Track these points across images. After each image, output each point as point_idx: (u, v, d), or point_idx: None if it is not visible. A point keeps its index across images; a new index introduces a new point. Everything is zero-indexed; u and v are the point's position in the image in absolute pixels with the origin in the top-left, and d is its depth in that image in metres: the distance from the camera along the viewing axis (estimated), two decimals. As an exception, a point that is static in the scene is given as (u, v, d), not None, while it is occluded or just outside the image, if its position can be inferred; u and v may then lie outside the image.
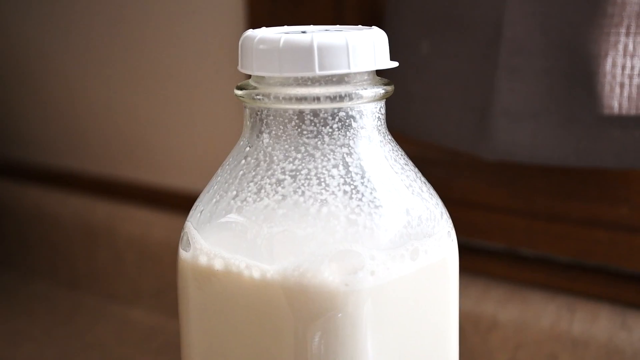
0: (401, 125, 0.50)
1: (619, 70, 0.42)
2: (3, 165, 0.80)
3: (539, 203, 0.50)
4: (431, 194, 0.32)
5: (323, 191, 0.30)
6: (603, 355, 0.47)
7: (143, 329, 0.65)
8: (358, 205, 0.30)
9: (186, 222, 0.32)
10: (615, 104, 0.43)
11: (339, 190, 0.30)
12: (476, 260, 0.52)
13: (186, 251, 0.32)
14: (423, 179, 0.33)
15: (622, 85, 0.42)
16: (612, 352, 0.46)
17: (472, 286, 0.52)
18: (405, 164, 0.32)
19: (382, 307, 0.30)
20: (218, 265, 0.31)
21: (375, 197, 0.30)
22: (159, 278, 0.68)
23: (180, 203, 0.66)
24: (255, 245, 0.30)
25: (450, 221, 0.33)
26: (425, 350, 0.33)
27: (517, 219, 0.51)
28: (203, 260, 0.31)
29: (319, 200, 0.30)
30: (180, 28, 0.65)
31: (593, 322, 0.48)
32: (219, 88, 0.64)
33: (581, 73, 0.43)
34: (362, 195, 0.30)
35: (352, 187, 0.30)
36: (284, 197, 0.30)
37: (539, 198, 0.50)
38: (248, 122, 0.32)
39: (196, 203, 0.33)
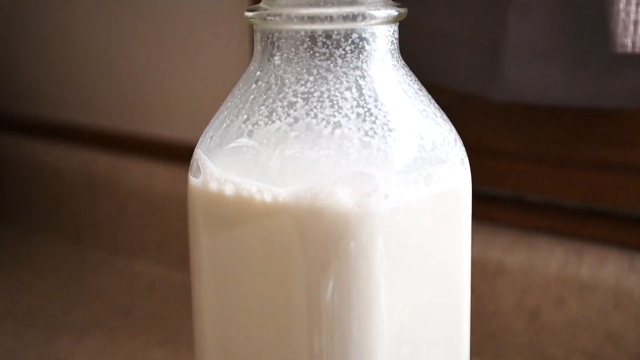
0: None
1: (633, 8, 0.42)
2: (5, 120, 0.80)
3: (547, 147, 0.49)
4: (445, 120, 0.32)
5: (336, 113, 0.29)
6: (611, 298, 0.46)
7: (147, 280, 0.65)
8: (372, 128, 0.29)
9: (196, 148, 0.32)
10: (629, 42, 0.42)
11: (352, 112, 0.29)
12: (482, 207, 0.52)
13: (196, 178, 0.31)
14: (437, 105, 0.32)
15: (636, 23, 0.42)
16: (620, 295, 0.46)
17: (479, 232, 0.52)
18: (419, 89, 0.32)
19: (395, 233, 0.29)
20: (229, 190, 0.30)
21: (389, 120, 0.30)
22: (162, 229, 0.67)
23: (183, 154, 0.66)
24: (267, 169, 0.29)
25: (464, 149, 0.32)
26: (438, 280, 0.32)
27: (525, 164, 0.50)
28: (213, 186, 0.31)
29: (332, 123, 0.29)
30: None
31: (601, 266, 0.47)
32: (220, 37, 0.63)
33: (594, 10, 0.42)
34: (376, 118, 0.29)
35: (366, 109, 0.29)
36: (296, 119, 0.29)
37: (547, 142, 0.49)
38: (259, 46, 0.31)
39: (206, 130, 0.32)
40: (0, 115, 0.80)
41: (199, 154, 0.32)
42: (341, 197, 0.28)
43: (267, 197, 0.29)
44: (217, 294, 0.32)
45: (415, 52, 0.49)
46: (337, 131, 0.29)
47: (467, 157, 0.32)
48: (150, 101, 0.69)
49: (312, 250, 0.29)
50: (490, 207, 0.52)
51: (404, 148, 0.30)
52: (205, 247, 0.32)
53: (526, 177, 0.50)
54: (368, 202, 0.29)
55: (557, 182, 0.49)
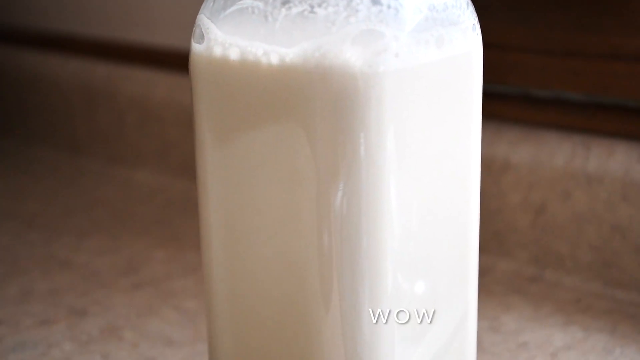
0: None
1: None
2: (0, 31, 0.78)
3: (555, 39, 0.48)
4: (456, -19, 0.31)
5: (344, -31, 0.28)
6: (618, 189, 0.46)
7: (147, 189, 0.65)
8: (381, -15, 0.28)
9: (199, 14, 0.31)
10: None
11: (361, -31, 0.28)
12: (488, 104, 0.51)
13: (199, 44, 0.30)
14: (447, -35, 0.31)
15: None
16: (627, 185, 0.46)
17: (484, 129, 0.51)
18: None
19: (405, 96, 0.29)
20: (234, 55, 0.29)
21: (399, -23, 0.28)
22: (162, 138, 0.67)
23: (181, 62, 0.64)
24: (273, 30, 0.28)
25: (475, 15, 0.31)
26: (448, 159, 0.31)
27: (532, 58, 0.49)
28: (218, 51, 0.30)
29: (341, -21, 0.28)
30: None
31: (609, 158, 0.47)
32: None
33: None
34: (386, -26, 0.28)
35: (375, -34, 0.28)
36: (303, -24, 0.28)
37: (555, 33, 0.48)
38: None
39: (208, -5, 0.31)
40: (-5, 27, 0.78)
41: (202, 19, 0.31)
42: (350, 56, 0.28)
43: (274, 59, 0.28)
44: (223, 158, 0.31)
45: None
46: (346, -13, 0.28)
47: (478, 23, 0.31)
48: (149, 8, 0.68)
49: (321, 105, 0.28)
50: (496, 103, 0.51)
51: (415, 6, 0.29)
52: (206, 113, 0.31)
53: (533, 70, 0.49)
54: (377, 61, 0.28)
55: (564, 74, 0.48)
